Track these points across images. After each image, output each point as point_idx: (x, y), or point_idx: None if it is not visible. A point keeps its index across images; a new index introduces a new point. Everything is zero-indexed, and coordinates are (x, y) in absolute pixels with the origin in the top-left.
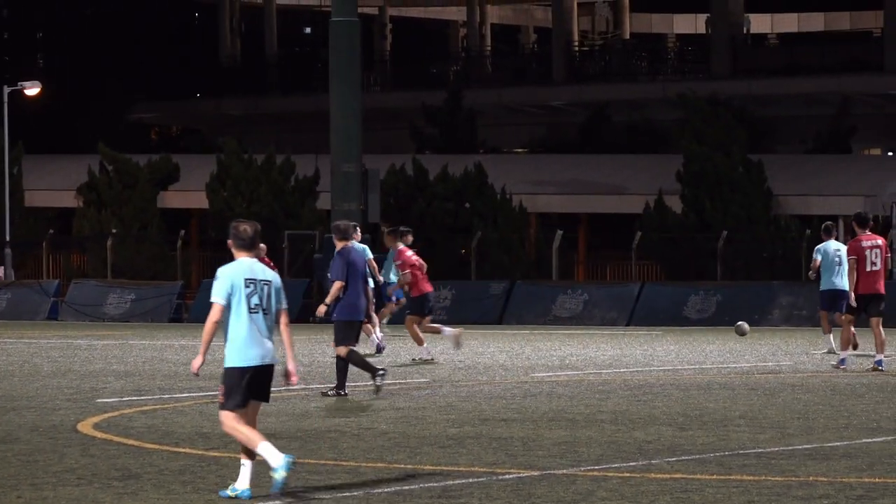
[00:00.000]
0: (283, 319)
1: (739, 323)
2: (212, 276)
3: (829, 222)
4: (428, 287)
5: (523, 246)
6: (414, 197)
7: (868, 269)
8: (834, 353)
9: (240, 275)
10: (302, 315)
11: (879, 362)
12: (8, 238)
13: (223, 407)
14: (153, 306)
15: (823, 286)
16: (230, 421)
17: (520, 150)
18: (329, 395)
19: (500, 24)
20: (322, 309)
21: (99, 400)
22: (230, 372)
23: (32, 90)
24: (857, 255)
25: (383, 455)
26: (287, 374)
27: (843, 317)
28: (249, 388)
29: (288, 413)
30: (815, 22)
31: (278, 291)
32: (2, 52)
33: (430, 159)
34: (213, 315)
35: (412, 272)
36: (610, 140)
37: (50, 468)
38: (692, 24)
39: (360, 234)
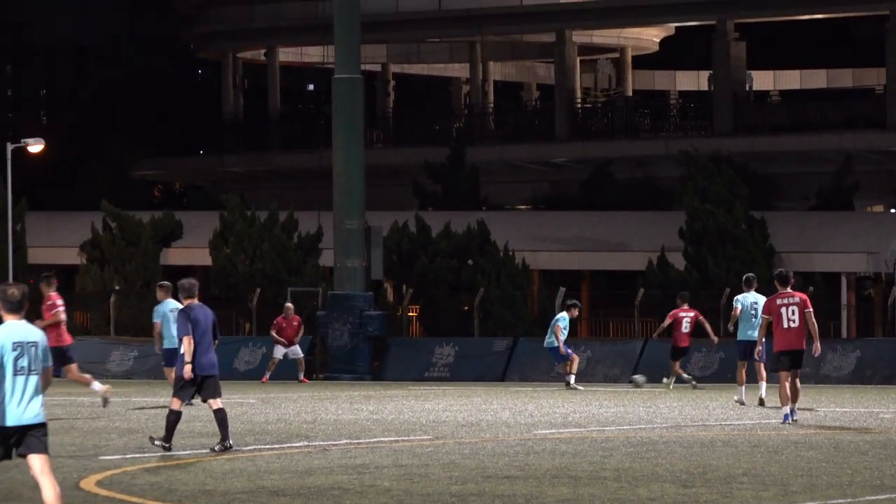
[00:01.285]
0: (48, 376)
1: (634, 376)
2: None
3: (750, 274)
4: (68, 339)
5: (526, 303)
6: (417, 254)
7: (786, 325)
8: (744, 403)
9: (8, 338)
10: (306, 372)
11: (788, 415)
12: None
13: None
14: (156, 363)
15: (739, 336)
16: None
17: (522, 206)
18: (155, 444)
19: (503, 80)
20: (188, 370)
21: (102, 457)
22: None
23: (36, 147)
24: (772, 314)
25: None
26: None
27: (780, 373)
28: (15, 446)
29: (291, 470)
30: (817, 79)
31: (45, 351)
32: (5, 108)
33: (432, 216)
34: None
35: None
36: (612, 197)
37: None
38: (695, 80)
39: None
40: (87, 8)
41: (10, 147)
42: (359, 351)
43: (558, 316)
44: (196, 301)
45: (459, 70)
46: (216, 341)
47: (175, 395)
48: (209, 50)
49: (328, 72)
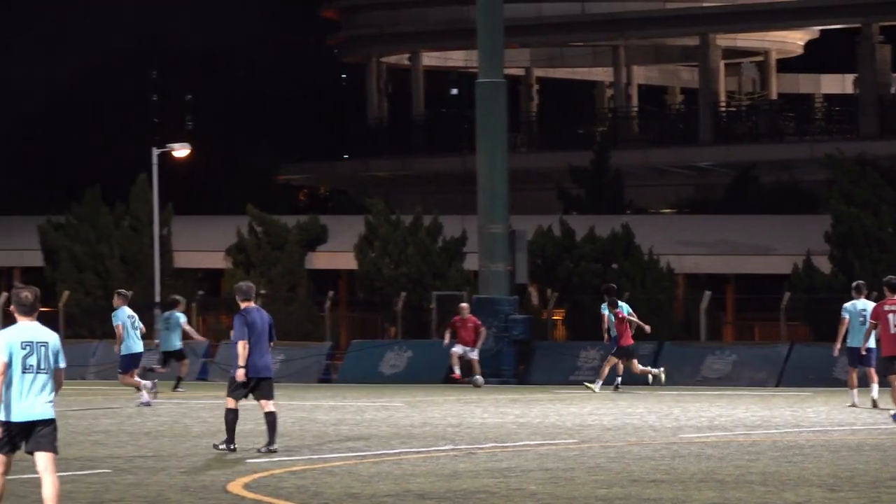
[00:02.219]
0: (60, 378)
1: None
2: (362, 336)
3: (859, 282)
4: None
5: (671, 307)
6: (561, 258)
7: (892, 331)
8: (856, 406)
9: (18, 337)
10: (450, 376)
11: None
12: (157, 299)
13: None
14: (302, 367)
15: (850, 343)
16: None
17: (667, 210)
18: (219, 448)
19: (647, 84)
20: (240, 373)
21: (249, 460)
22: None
23: (182, 152)
24: (879, 319)
25: None
26: None
27: (891, 378)
28: (16, 440)
29: (437, 473)
30: None
31: (55, 352)
32: (151, 114)
33: (576, 220)
34: None
35: None
36: (757, 200)
37: None
38: (839, 84)
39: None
40: (233, 13)
41: (156, 152)
42: (504, 355)
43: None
44: (253, 304)
45: (603, 74)
46: (272, 344)
47: (229, 395)
48: (354, 55)
49: (472, 76)
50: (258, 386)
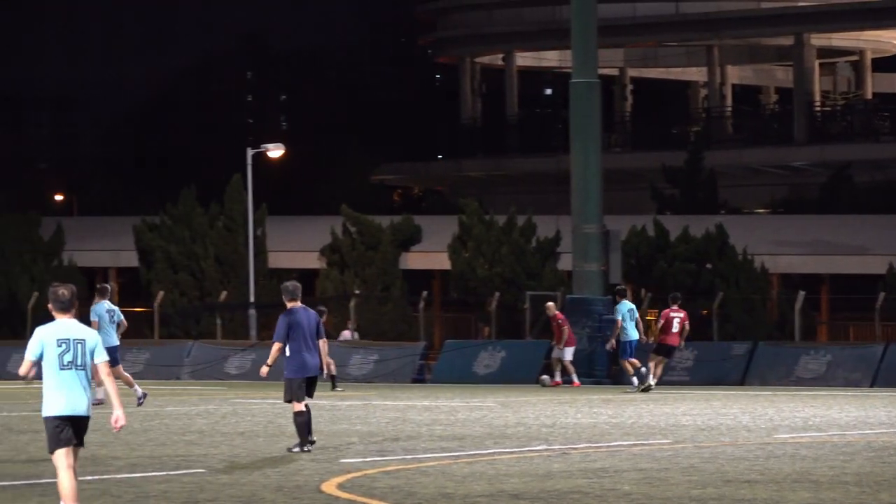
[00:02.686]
0: (103, 370)
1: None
2: (456, 336)
3: None
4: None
5: (765, 307)
6: (655, 258)
7: None
8: None
9: (53, 335)
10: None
11: None
12: (252, 299)
13: (49, 450)
14: (396, 367)
15: None
16: (56, 460)
17: (761, 210)
18: (293, 451)
19: (741, 84)
20: (265, 370)
21: (342, 460)
22: (45, 420)
23: (276, 152)
24: None
25: None
26: (115, 420)
27: None
28: (67, 433)
29: (530, 474)
30: None
31: (92, 350)
32: (245, 114)
33: (670, 220)
34: (22, 369)
35: None
36: (851, 200)
37: None
38: None
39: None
40: (327, 15)
41: (250, 152)
42: (597, 355)
43: None
44: (299, 304)
45: (697, 74)
46: (322, 341)
47: (293, 399)
48: (447, 55)
49: (566, 76)
50: (308, 385)
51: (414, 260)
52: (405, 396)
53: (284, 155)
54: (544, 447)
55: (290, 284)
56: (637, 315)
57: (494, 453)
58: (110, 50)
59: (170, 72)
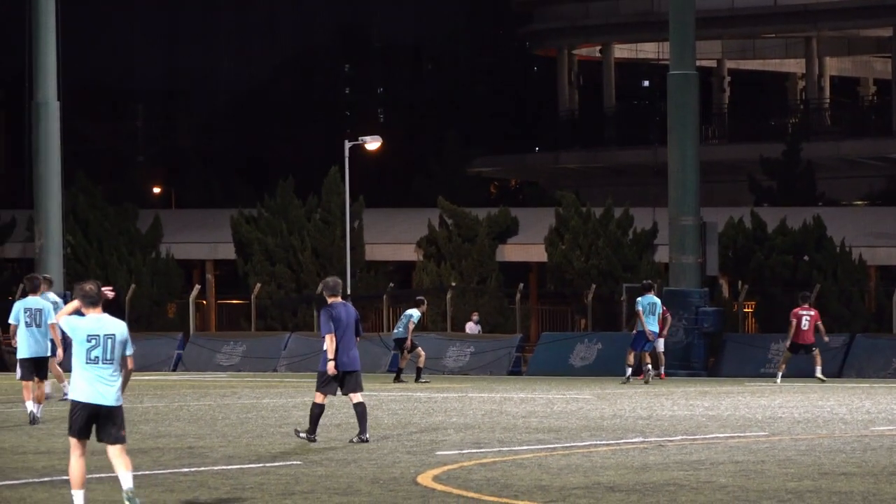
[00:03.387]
0: (128, 364)
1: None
2: (552, 328)
3: None
4: None
5: (863, 299)
6: (752, 250)
7: None
8: None
9: (83, 330)
10: (639, 368)
11: None
12: (349, 291)
13: (69, 433)
14: (492, 359)
15: None
16: (71, 447)
17: (859, 202)
18: (300, 436)
19: (839, 76)
20: (331, 366)
21: (438, 452)
22: (70, 404)
23: (373, 145)
24: None
25: None
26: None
27: None
28: (87, 423)
29: (626, 466)
30: None
31: (122, 342)
32: (343, 107)
33: (768, 212)
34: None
35: None
36: None
37: None
38: None
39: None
40: (424, 8)
41: (347, 145)
42: (694, 347)
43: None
44: (339, 299)
45: (795, 65)
46: (359, 338)
47: (318, 389)
48: (545, 47)
49: (663, 68)
50: (345, 380)
51: (510, 252)
52: (501, 389)
53: (381, 147)
54: (640, 439)
55: (331, 280)
56: (661, 310)
57: (590, 445)
58: (208, 42)
59: (268, 64)
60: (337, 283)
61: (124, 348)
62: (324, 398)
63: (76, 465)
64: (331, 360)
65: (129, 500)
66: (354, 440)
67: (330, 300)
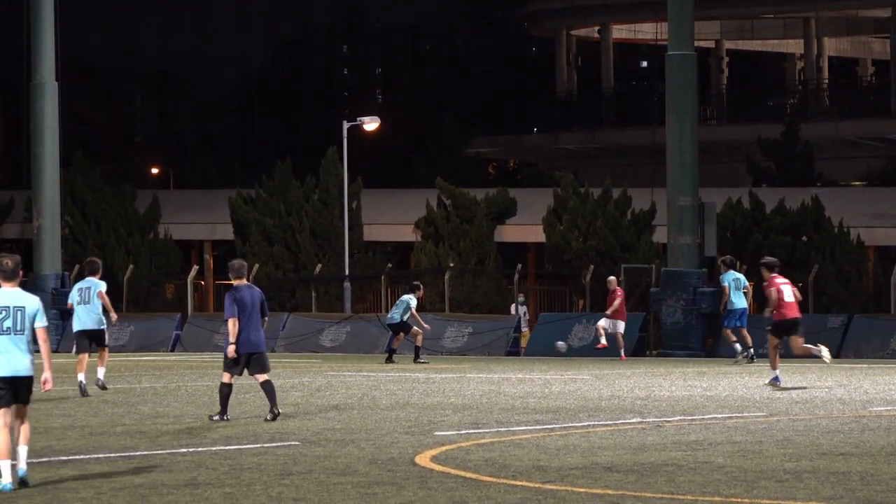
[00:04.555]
0: (41, 336)
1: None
2: (550, 309)
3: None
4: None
5: (861, 279)
6: (750, 230)
7: None
8: None
9: None
10: (638, 349)
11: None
12: (347, 272)
13: None
14: (490, 340)
15: None
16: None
17: (857, 182)
18: (213, 419)
19: (838, 56)
20: (231, 349)
21: (437, 433)
22: None
23: (371, 125)
24: None
25: (720, 489)
26: (43, 381)
27: None
28: (9, 395)
29: (624, 446)
30: None
31: (32, 315)
32: (341, 87)
33: (766, 192)
34: None
35: None
36: None
37: (388, 501)
38: None
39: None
40: None
41: (346, 125)
42: (692, 327)
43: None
44: (244, 282)
45: (794, 46)
46: (265, 319)
47: (225, 370)
48: (543, 28)
49: (661, 48)
50: (250, 361)
51: (509, 233)
52: (499, 369)
53: (380, 128)
54: (638, 420)
55: (236, 263)
56: (745, 284)
57: (588, 426)
58: (206, 23)
59: (266, 45)
60: (242, 265)
61: (34, 321)
62: (230, 378)
63: (3, 437)
64: (231, 343)
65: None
66: (268, 417)
67: (235, 282)
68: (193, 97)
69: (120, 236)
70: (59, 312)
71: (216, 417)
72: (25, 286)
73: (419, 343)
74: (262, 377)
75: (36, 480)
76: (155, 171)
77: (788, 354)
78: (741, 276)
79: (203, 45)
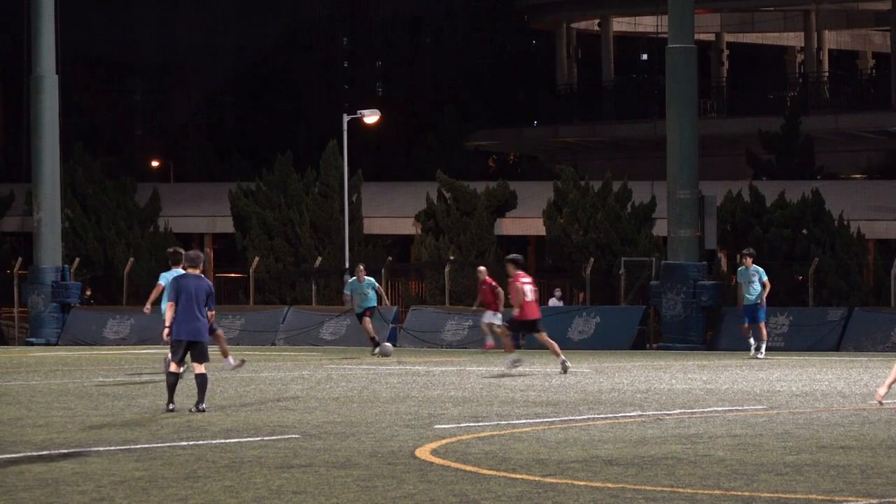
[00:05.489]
0: None
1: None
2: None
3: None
4: None
5: (861, 272)
6: (751, 223)
7: None
8: None
9: None
10: (638, 342)
11: None
12: (347, 265)
13: None
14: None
15: None
16: None
17: (858, 175)
18: (170, 410)
19: (838, 49)
20: (165, 333)
21: (437, 426)
22: None
23: (371, 118)
24: None
25: (720, 482)
26: None
27: None
28: None
29: (624, 439)
30: None
31: None
32: (341, 80)
33: (766, 185)
34: None
35: None
36: None
37: (388, 494)
38: None
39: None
40: None
41: (346, 118)
42: (692, 320)
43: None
44: (196, 271)
45: (794, 39)
46: (211, 311)
47: (171, 358)
48: (543, 21)
49: (662, 41)
50: (190, 349)
51: (509, 226)
52: (499, 362)
53: (380, 121)
54: (638, 413)
55: (192, 252)
56: (765, 278)
57: (589, 419)
58: (206, 15)
59: (266, 38)
60: (197, 256)
61: None
62: (176, 367)
63: None
64: (166, 327)
65: None
66: (192, 409)
67: (187, 271)
68: (193, 89)
69: (120, 229)
70: (60, 306)
71: (171, 407)
72: (25, 279)
73: (372, 333)
74: (199, 368)
75: (36, 473)
76: (155, 163)
77: (791, 348)
78: (761, 270)
79: (203, 37)
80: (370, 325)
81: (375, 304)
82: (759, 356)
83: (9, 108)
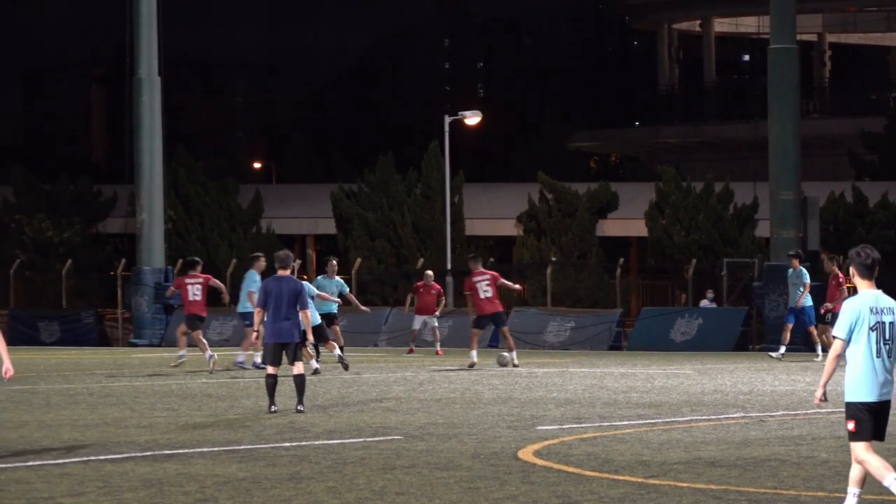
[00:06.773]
0: None
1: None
2: (652, 303)
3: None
4: None
5: None
6: (853, 224)
7: None
8: None
9: None
10: (741, 343)
11: None
12: (449, 266)
13: None
14: (592, 334)
15: None
16: None
17: None
18: (272, 412)
19: None
20: (254, 335)
21: (539, 427)
22: None
23: (473, 119)
24: None
25: (823, 484)
26: (5, 371)
27: None
28: None
29: (727, 441)
30: None
31: None
32: (442, 82)
33: (869, 186)
34: None
35: None
36: None
37: (491, 495)
38: None
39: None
40: None
41: (447, 119)
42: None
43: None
44: (286, 272)
45: None
46: (303, 311)
47: (265, 361)
48: (645, 21)
49: (763, 42)
50: (283, 351)
51: (611, 227)
52: (602, 364)
53: (481, 122)
54: (741, 414)
55: (282, 253)
56: (807, 279)
57: (691, 420)
58: (308, 16)
59: (368, 38)
60: (287, 255)
61: None
62: (274, 369)
63: None
64: (255, 330)
65: None
66: (295, 410)
67: (279, 272)
68: (295, 91)
69: (223, 231)
70: (163, 307)
71: (273, 409)
72: (128, 280)
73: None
74: (295, 368)
75: (140, 474)
76: (257, 165)
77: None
78: (803, 271)
79: (304, 38)
80: (339, 332)
81: (337, 311)
82: (771, 355)
83: (112, 111)
